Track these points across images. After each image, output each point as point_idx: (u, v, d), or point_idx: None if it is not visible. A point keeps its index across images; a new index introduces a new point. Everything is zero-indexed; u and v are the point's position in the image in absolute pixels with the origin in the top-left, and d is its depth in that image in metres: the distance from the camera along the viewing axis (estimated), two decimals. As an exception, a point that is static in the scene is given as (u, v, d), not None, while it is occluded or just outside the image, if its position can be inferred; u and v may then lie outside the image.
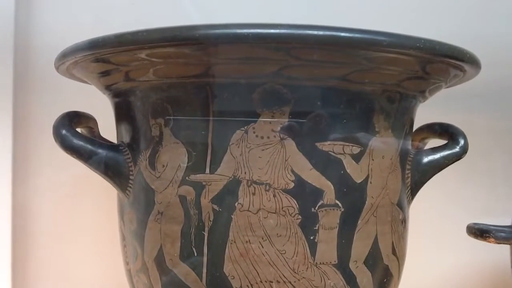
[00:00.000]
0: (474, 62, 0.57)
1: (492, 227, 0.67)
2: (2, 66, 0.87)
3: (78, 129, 0.62)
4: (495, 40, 0.95)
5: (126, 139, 0.61)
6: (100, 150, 0.60)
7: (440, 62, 0.55)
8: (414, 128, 0.67)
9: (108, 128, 0.67)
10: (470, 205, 0.97)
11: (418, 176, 0.63)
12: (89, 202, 0.92)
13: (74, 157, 0.59)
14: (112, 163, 0.60)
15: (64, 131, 0.59)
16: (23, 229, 0.91)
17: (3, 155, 0.87)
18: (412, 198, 0.65)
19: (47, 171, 0.92)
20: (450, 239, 0.94)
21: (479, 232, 0.67)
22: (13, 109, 0.88)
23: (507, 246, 0.82)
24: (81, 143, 0.59)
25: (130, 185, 0.60)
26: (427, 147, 0.69)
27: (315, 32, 0.48)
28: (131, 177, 0.60)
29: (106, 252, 0.90)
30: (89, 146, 0.60)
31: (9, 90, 0.87)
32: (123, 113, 0.62)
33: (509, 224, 0.71)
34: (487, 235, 0.66)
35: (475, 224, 0.68)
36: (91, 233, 0.92)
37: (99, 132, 0.68)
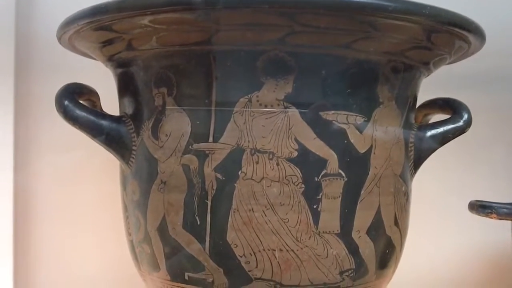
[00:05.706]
0: (479, 33, 0.57)
1: (494, 204, 0.66)
2: (3, 49, 0.86)
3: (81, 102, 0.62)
4: (500, 28, 0.94)
5: (129, 110, 0.61)
6: (103, 121, 0.60)
7: (445, 31, 0.55)
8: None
9: (110, 109, 0.67)
10: (470, 195, 0.97)
11: (421, 149, 0.63)
12: (90, 186, 0.92)
13: (76, 127, 0.59)
14: (114, 134, 0.60)
15: (66, 102, 0.59)
16: (24, 213, 0.91)
17: (5, 140, 0.87)
18: (415, 172, 0.64)
19: (48, 155, 0.92)
20: (450, 227, 0.95)
21: (481, 208, 0.66)
22: (15, 93, 0.87)
23: (508, 227, 0.82)
24: (84, 113, 0.59)
25: (133, 155, 0.60)
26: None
27: (321, -3, 0.48)
28: (133, 147, 0.60)
29: (108, 235, 0.89)
30: (92, 117, 0.59)
31: (10, 75, 0.87)
32: (125, 84, 0.62)
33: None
34: (489, 211, 0.66)
35: (477, 200, 0.68)
36: (92, 216, 0.92)
37: (101, 106, 0.67)
